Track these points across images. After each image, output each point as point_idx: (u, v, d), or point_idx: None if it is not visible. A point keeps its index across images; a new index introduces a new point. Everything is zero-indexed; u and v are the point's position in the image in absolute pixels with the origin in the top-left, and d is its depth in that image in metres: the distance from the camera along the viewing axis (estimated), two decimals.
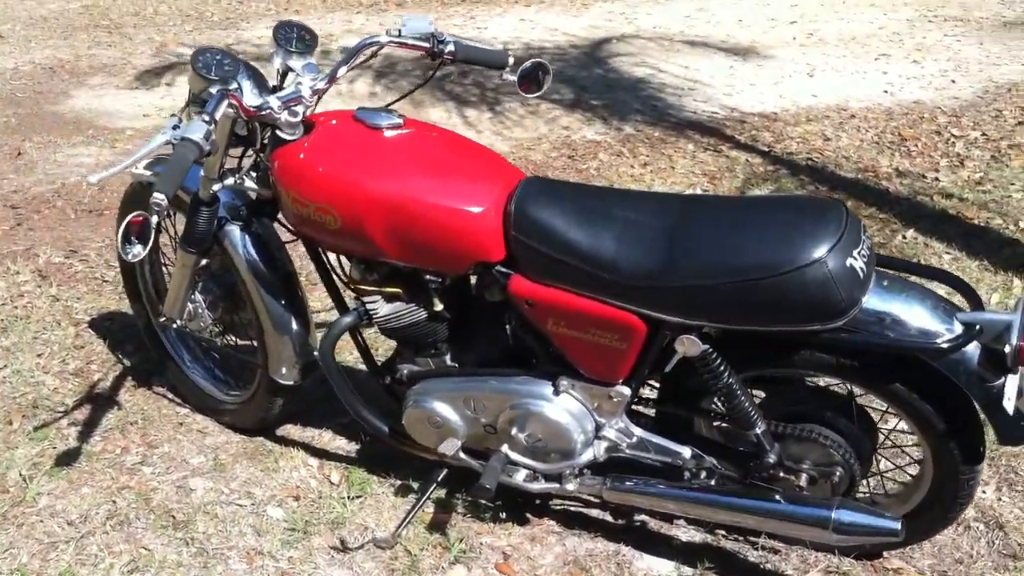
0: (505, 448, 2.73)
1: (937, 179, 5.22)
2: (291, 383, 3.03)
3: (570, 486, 2.74)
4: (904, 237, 4.58)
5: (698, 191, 5.06)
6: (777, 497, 2.53)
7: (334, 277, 2.92)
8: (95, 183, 2.56)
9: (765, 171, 5.34)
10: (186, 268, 3.00)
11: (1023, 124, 5.95)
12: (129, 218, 2.28)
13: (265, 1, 9.33)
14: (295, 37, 2.74)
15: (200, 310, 3.12)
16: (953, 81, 6.83)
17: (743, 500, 2.58)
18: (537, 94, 2.92)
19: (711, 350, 2.45)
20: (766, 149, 5.64)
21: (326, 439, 3.28)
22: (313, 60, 2.76)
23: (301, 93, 2.66)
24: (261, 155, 2.76)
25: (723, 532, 2.86)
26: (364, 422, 2.93)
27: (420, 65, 6.95)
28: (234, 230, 2.93)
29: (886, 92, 6.62)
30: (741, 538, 2.84)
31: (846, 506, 2.47)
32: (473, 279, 2.73)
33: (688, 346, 2.43)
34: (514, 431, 2.70)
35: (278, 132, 2.67)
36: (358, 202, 2.56)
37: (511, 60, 2.86)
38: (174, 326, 3.15)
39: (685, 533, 2.88)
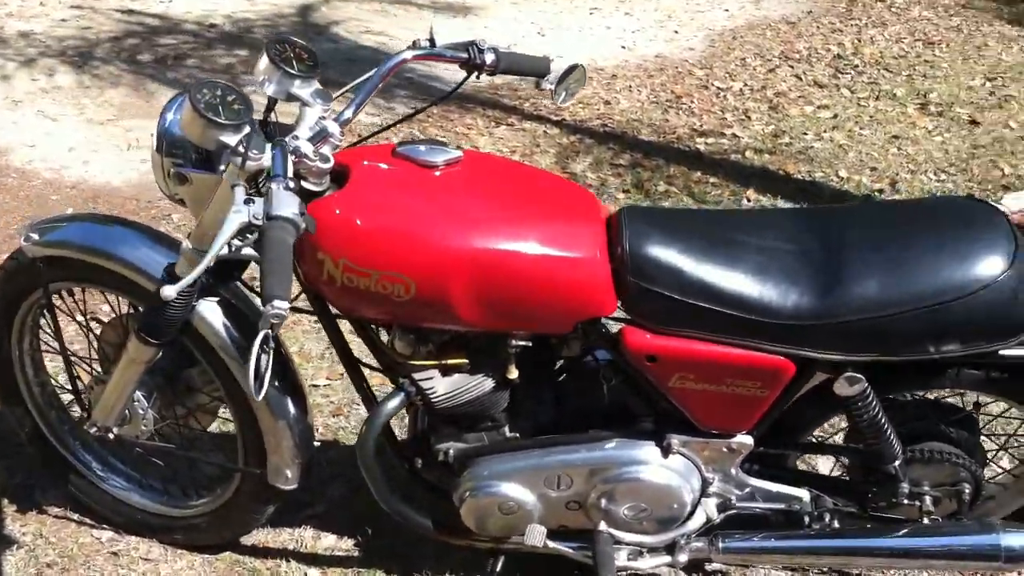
0: (603, 526, 2.32)
1: (735, 135, 5.21)
2: (293, 487, 2.42)
3: (683, 556, 2.37)
4: (748, 199, 4.51)
5: None
6: (934, 530, 2.31)
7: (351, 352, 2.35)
8: (173, 296, 1.85)
9: (571, 143, 5.09)
10: (138, 364, 2.32)
11: (773, 71, 6.08)
12: (255, 351, 1.66)
13: None
14: (292, 57, 2.13)
15: (140, 411, 2.42)
16: (676, 32, 6.89)
17: (895, 540, 2.33)
18: (570, 102, 2.48)
19: (868, 385, 2.17)
20: (556, 118, 5.38)
21: (310, 538, 2.68)
22: (319, 84, 2.16)
23: (328, 130, 2.07)
24: None
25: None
26: (405, 520, 2.41)
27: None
28: (208, 306, 2.28)
29: (624, 48, 6.56)
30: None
31: (1009, 529, 2.28)
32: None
33: (850, 385, 2.13)
34: (612, 504, 2.30)
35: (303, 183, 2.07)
36: (440, 264, 2.04)
37: (552, 65, 2.40)
38: (110, 436, 2.43)
39: None
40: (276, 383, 2.34)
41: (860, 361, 2.11)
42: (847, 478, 2.54)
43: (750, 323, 2.07)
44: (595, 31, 6.86)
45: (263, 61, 2.10)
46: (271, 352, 1.72)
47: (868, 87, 5.84)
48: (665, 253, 2.08)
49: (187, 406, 2.49)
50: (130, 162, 4.75)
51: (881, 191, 4.62)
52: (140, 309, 2.48)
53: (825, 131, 5.25)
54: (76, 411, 2.68)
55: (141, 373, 2.33)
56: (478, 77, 2.38)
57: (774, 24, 6.99)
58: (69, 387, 2.54)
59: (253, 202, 1.80)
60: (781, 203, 4.48)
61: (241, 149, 1.94)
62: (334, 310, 2.26)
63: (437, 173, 2.14)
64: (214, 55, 6.08)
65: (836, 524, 2.37)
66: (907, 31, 6.81)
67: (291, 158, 1.92)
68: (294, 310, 2.43)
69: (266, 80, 2.10)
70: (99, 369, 2.49)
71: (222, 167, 2.10)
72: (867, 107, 5.56)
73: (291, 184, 1.83)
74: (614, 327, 2.18)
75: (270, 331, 1.70)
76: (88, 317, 2.54)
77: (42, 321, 2.58)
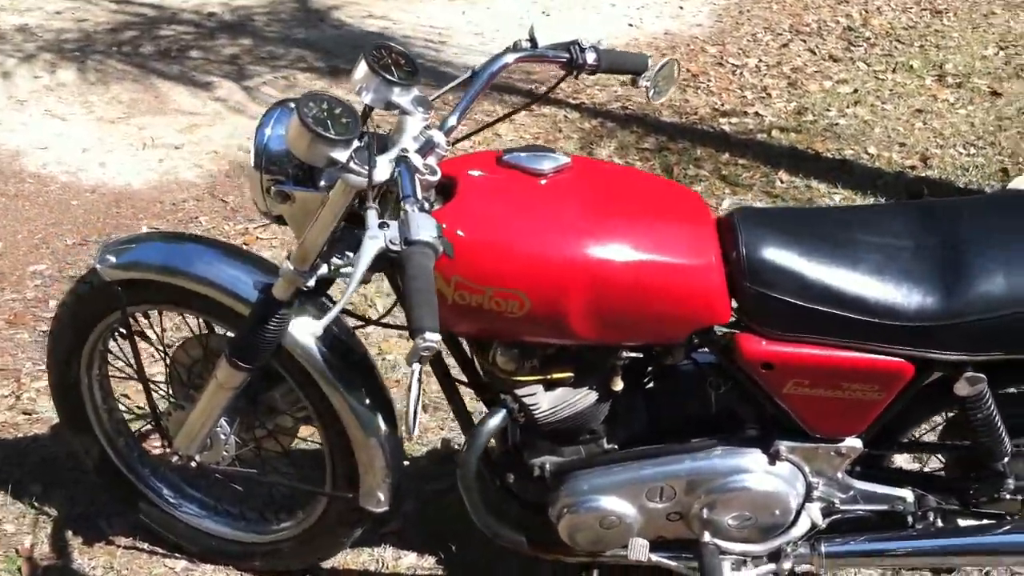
0: (707, 536, 2.26)
1: (758, 113, 5.15)
2: (384, 509, 2.35)
3: (787, 564, 2.32)
4: (781, 181, 4.46)
5: None
6: None
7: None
8: (324, 327, 1.76)
9: (593, 127, 5.01)
10: (227, 390, 2.24)
11: (786, 46, 6.01)
12: (414, 387, 1.58)
13: None
14: (391, 63, 2.04)
15: (222, 436, 2.34)
16: (681, 7, 6.79)
17: (1004, 537, 2.28)
18: (662, 99, 2.41)
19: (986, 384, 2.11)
20: (574, 102, 5.30)
21: (391, 558, 2.61)
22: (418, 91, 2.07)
23: (435, 140, 1.98)
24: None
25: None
26: (498, 537, 2.34)
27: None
28: (299, 326, 2.19)
29: (631, 26, 6.46)
30: None
31: None
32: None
33: (971, 385, 2.08)
34: (716, 513, 2.24)
35: None
36: (558, 278, 1.97)
37: (650, 62, 2.32)
38: (193, 464, 2.35)
39: None
40: (368, 401, 2.26)
41: (981, 360, 2.05)
42: (944, 475, 2.49)
43: (871, 326, 2.01)
44: (600, 8, 6.76)
45: (361, 68, 2.00)
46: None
47: (883, 59, 5.78)
48: (783, 256, 2.02)
49: (267, 428, 2.41)
50: (147, 162, 4.63)
51: (913, 167, 4.57)
52: (214, 329, 2.40)
53: (848, 107, 5.19)
54: (150, 436, 2.59)
55: (230, 399, 2.25)
56: (576, 77, 2.30)
57: None
58: (148, 414, 2.44)
59: (388, 226, 1.72)
60: (815, 183, 4.42)
61: (354, 165, 1.86)
62: None
63: (544, 181, 2.06)
64: (217, 45, 5.94)
65: (940, 523, 2.32)
66: (913, 0, 6.74)
67: (418, 178, 1.83)
68: (384, 326, 2.38)
69: (364, 88, 1.99)
70: (174, 394, 2.41)
71: (323, 183, 2.02)
72: (885, 80, 5.50)
73: (426, 204, 1.75)
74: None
75: (421, 364, 1.62)
76: (163, 340, 2.44)
77: (111, 345, 2.48)
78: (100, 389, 2.53)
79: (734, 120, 5.07)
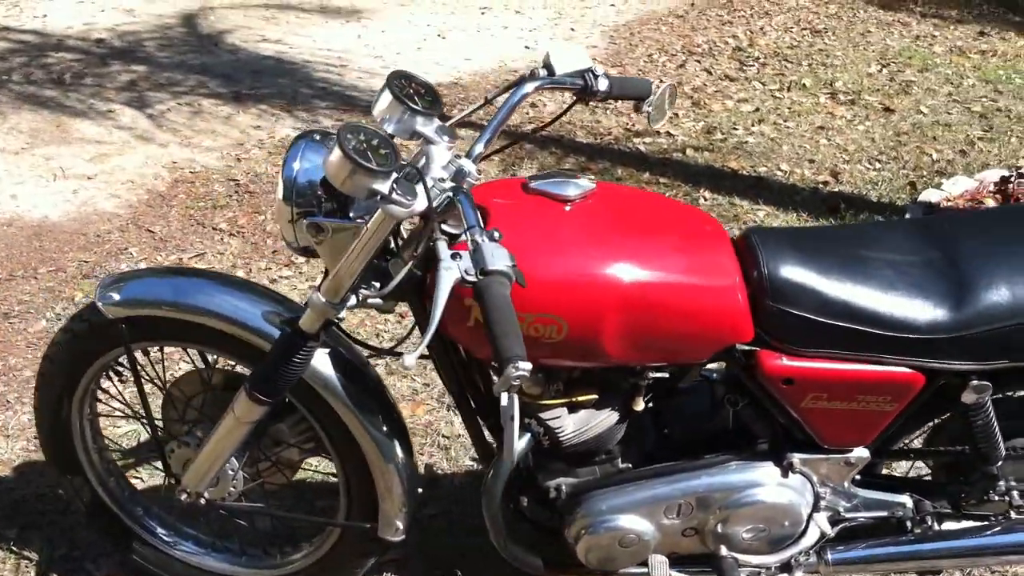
0: (724, 550, 2.31)
1: (669, 133, 5.26)
2: (401, 538, 2.33)
3: (798, 573, 2.38)
4: (705, 199, 4.58)
5: None
6: None
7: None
8: (414, 365, 1.71)
9: (512, 150, 5.02)
10: (244, 425, 2.18)
11: (683, 66, 6.17)
12: (515, 417, 1.58)
13: None
14: (413, 92, 2.04)
15: (230, 471, 2.29)
16: (572, 29, 6.92)
17: (1000, 537, 2.40)
18: (661, 123, 2.45)
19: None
20: (485, 124, 5.30)
21: None
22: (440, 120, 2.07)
23: (466, 169, 1.98)
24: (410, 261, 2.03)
25: None
26: (517, 562, 2.35)
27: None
28: (320, 355, 2.16)
29: (528, 48, 6.54)
30: None
31: None
32: None
33: (977, 393, 2.19)
34: (731, 527, 2.29)
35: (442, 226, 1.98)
36: (596, 302, 2.00)
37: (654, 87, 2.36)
38: (202, 501, 2.29)
39: None
40: (386, 429, 2.24)
41: (988, 369, 2.16)
42: (933, 480, 2.59)
43: (885, 339, 2.09)
44: (493, 31, 6.82)
45: (385, 98, 1.99)
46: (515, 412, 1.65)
47: (776, 78, 5.99)
48: (802, 275, 2.09)
49: (271, 461, 2.36)
50: (61, 193, 4.46)
51: (826, 183, 4.75)
52: (214, 364, 2.34)
53: (752, 124, 5.36)
54: (136, 475, 2.51)
55: (245, 434, 2.20)
56: (586, 104, 2.33)
57: (664, 18, 7.08)
58: (144, 452, 2.36)
59: (460, 256, 1.71)
60: (737, 200, 4.55)
61: (397, 196, 1.85)
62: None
63: (568, 208, 2.08)
64: (112, 72, 5.78)
65: (937, 527, 2.42)
66: (792, 20, 7.01)
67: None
68: (398, 355, 2.35)
69: (387, 118, 1.99)
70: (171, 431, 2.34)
71: (356, 214, 2.00)
72: (783, 99, 5.70)
73: (491, 235, 1.75)
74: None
75: (511, 393, 1.62)
76: (163, 377, 2.37)
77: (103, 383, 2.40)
78: (91, 429, 2.44)
79: (647, 140, 5.17)
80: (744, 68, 6.16)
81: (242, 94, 5.61)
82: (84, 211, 4.32)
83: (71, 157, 4.77)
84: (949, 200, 4.47)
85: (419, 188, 1.89)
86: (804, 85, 5.88)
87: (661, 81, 2.51)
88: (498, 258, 1.69)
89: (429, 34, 6.70)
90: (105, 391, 2.43)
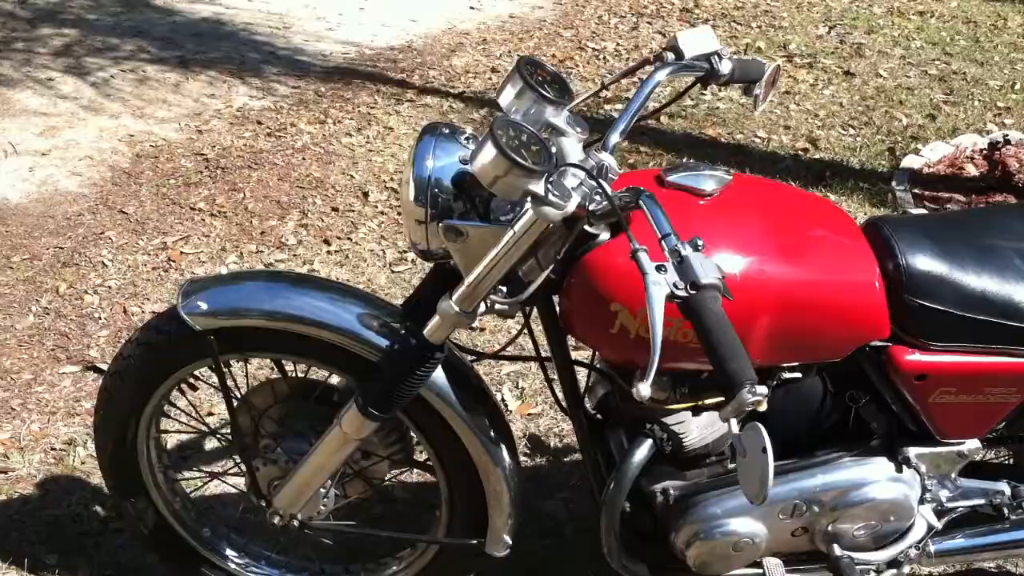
0: (837, 549, 2.25)
1: None
2: (507, 552, 2.20)
3: (906, 568, 2.34)
4: None
5: None
6: None
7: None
8: (647, 395, 1.56)
9: (483, 117, 4.90)
10: (352, 442, 2.03)
11: (636, 28, 6.06)
12: (767, 448, 1.47)
13: None
14: (544, 80, 1.90)
15: (322, 490, 2.13)
16: None
17: None
18: (763, 106, 2.34)
19: None
20: (456, 91, 5.16)
21: None
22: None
23: (607, 163, 1.86)
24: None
25: None
26: (624, 570, 2.26)
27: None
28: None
29: (473, 9, 6.33)
30: None
31: None
32: None
33: None
34: (843, 524, 2.23)
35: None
36: (745, 303, 1.92)
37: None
38: (295, 523, 2.12)
39: None
40: (492, 433, 2.11)
41: None
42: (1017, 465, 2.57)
43: (1018, 331, 2.05)
44: None
45: (516, 84, 1.86)
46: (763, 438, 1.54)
47: (730, 41, 5.92)
48: (940, 267, 2.05)
49: (363, 477, 2.20)
50: (17, 172, 4.15)
51: (805, 150, 4.73)
52: (288, 375, 2.17)
53: (720, 89, 5.28)
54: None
55: (352, 451, 2.03)
56: (705, 87, 2.21)
57: None
58: (225, 471, 2.18)
59: (665, 269, 1.58)
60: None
61: (552, 197, 1.71)
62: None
63: (702, 202, 1.97)
64: (43, 36, 5.40)
65: None
66: None
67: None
68: (509, 359, 2.22)
69: (518, 107, 1.85)
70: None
71: (502, 216, 1.85)
72: None
73: (693, 244, 1.62)
74: None
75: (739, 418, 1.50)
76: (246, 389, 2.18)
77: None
78: (156, 447, 2.24)
79: (618, 107, 5.06)
80: None
81: (187, 59, 5.31)
82: (45, 191, 4.02)
83: (18, 131, 4.44)
84: (930, 167, 4.49)
85: (571, 188, 1.75)
86: (759, 48, 5.84)
87: (771, 60, 2.40)
88: (708, 271, 1.57)
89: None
90: (174, 405, 2.23)
